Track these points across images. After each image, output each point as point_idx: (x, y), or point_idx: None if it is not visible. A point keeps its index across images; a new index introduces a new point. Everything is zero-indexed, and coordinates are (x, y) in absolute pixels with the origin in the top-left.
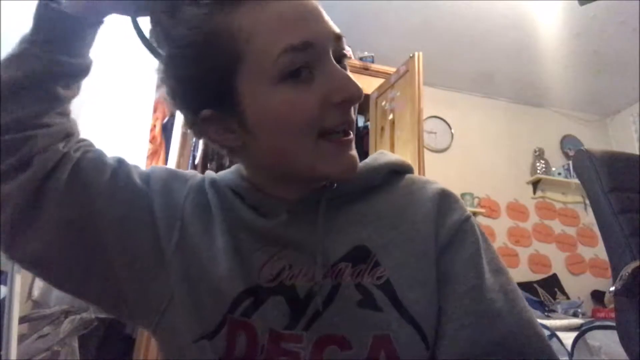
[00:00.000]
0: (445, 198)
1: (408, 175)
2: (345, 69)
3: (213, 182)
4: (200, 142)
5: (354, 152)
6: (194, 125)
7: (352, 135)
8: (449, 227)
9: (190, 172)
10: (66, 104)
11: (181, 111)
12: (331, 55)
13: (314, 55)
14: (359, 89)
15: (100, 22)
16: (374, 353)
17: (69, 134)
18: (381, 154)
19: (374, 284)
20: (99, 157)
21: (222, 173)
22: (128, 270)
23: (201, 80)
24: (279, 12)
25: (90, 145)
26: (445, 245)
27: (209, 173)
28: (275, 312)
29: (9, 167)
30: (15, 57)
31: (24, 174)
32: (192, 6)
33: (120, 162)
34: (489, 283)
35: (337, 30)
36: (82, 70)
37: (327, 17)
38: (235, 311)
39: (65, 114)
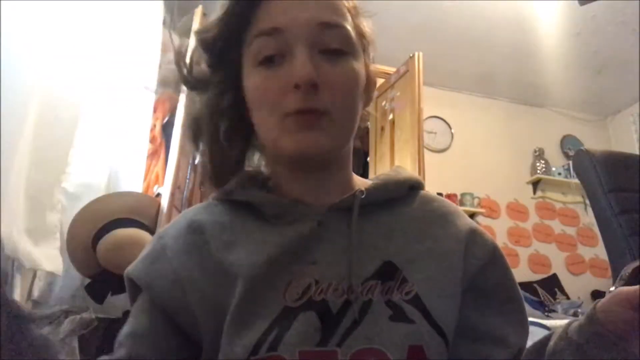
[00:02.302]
0: (473, 230)
1: (423, 192)
2: (334, 54)
3: (200, 225)
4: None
5: (316, 132)
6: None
7: (315, 116)
8: (483, 248)
9: (153, 241)
10: None
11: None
12: (303, 43)
13: (285, 41)
14: (304, 74)
15: None
16: None
17: None
18: (400, 169)
19: (403, 299)
20: None
21: (223, 191)
22: None
23: (226, 64)
24: (270, 2)
25: None
26: (481, 268)
27: (190, 213)
28: (306, 329)
29: None
30: None
31: None
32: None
33: (131, 336)
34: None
35: (323, 19)
36: None
37: (315, 6)
38: (258, 352)
39: None
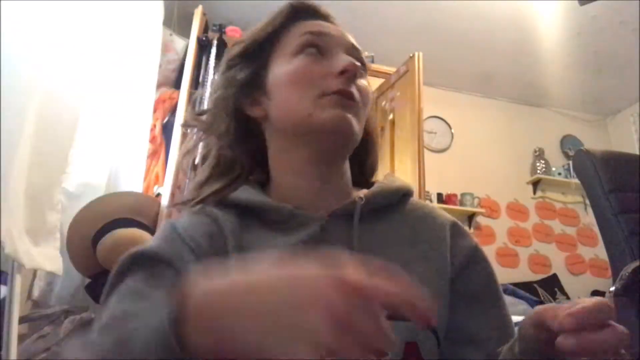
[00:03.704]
0: (456, 225)
1: (413, 199)
2: (360, 76)
3: (216, 217)
4: (200, 142)
5: (350, 114)
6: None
7: (354, 102)
8: (464, 250)
9: (165, 228)
10: None
11: (231, 102)
12: (343, 49)
13: (328, 43)
14: (352, 62)
15: None
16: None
17: None
18: (393, 177)
19: None
20: None
21: (221, 194)
22: None
23: (251, 67)
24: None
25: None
26: (463, 266)
27: (201, 208)
28: None
29: None
30: None
31: None
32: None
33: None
34: (504, 303)
35: (352, 42)
36: None
37: (348, 35)
38: None
39: None
